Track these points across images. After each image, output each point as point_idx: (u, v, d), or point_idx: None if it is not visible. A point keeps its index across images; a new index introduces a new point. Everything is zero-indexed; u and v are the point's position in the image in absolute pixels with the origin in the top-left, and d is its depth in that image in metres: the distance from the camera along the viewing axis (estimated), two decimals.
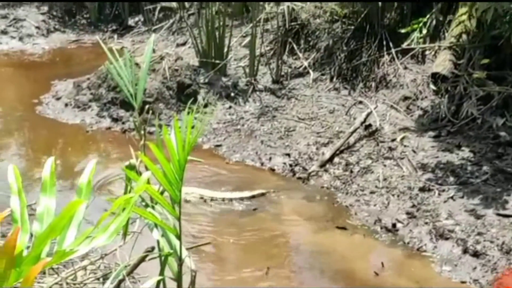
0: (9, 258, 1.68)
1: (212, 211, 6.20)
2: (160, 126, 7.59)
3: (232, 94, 8.35)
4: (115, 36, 11.05)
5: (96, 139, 7.74)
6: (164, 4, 8.64)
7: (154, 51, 9.53)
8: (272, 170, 7.01)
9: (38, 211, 2.07)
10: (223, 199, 6.36)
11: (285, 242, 5.88)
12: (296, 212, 6.26)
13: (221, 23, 8.59)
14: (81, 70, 9.40)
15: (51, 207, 2.07)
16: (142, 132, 3.32)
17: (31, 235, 2.09)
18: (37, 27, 11.14)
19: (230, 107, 8.17)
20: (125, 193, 3.24)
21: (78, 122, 8.09)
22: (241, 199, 6.38)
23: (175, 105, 8.08)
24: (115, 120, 8.02)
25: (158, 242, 3.29)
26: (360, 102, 7.83)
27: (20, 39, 10.93)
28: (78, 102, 8.38)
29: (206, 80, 8.45)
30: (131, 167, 3.17)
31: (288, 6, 8.60)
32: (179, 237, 3.11)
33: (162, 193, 3.19)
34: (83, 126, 7.99)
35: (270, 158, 7.18)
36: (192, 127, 3.09)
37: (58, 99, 8.62)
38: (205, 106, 8.15)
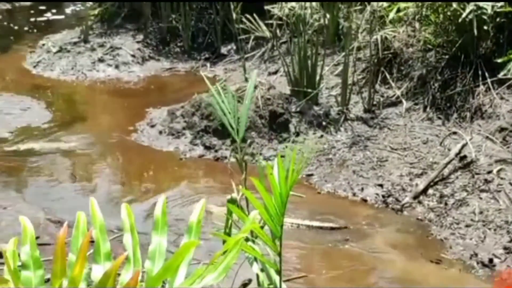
0: None
1: (303, 241, 6.19)
2: (252, 154, 7.68)
3: (324, 123, 8.35)
4: (208, 64, 11.22)
5: (190, 166, 7.85)
6: (257, 33, 8.71)
7: (246, 79, 9.64)
8: (364, 200, 6.96)
9: (150, 249, 2.11)
10: (308, 226, 6.36)
11: (377, 274, 5.81)
12: (389, 244, 6.19)
13: (313, 52, 8.62)
14: (174, 98, 9.58)
15: (163, 246, 2.11)
16: (244, 165, 3.36)
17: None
18: (133, 55, 11.40)
19: (321, 136, 8.17)
20: (225, 226, 3.28)
21: (171, 150, 8.22)
22: (332, 228, 6.37)
23: (267, 133, 8.13)
24: (208, 148, 8.12)
25: (257, 276, 3.30)
26: (455, 133, 7.70)
27: (116, 67, 11.20)
28: (172, 129, 8.53)
29: (298, 109, 8.48)
30: (233, 201, 3.20)
31: (381, 36, 8.56)
32: (279, 272, 3.12)
33: (262, 227, 3.21)
34: (176, 154, 8.11)
35: (362, 189, 7.12)
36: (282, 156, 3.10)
37: (152, 126, 8.79)
38: (297, 134, 8.18)
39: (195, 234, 2.13)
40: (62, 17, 14.17)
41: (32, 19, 14.97)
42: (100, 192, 7.17)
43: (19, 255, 2.18)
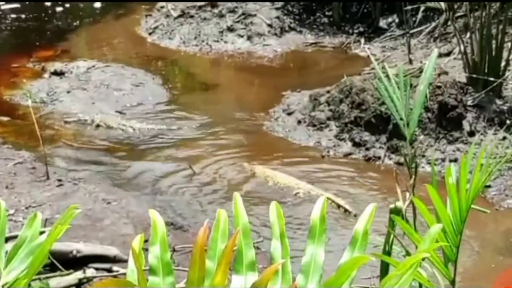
0: None
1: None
2: (413, 156, 7.63)
3: (508, 122, 8.19)
4: (362, 40, 11.19)
5: (334, 166, 7.86)
6: (429, 4, 8.64)
7: (410, 61, 9.59)
8: None
9: (304, 261, 2.17)
10: None
11: None
12: None
13: (500, 30, 8.45)
14: (318, 80, 9.64)
15: (319, 258, 2.16)
16: (413, 169, 3.37)
17: None
18: (269, 25, 11.51)
19: (504, 138, 8.00)
20: (386, 242, 3.30)
21: (311, 145, 8.28)
22: None
23: (434, 131, 8.06)
24: (358, 145, 8.13)
25: None
26: None
27: (249, 38, 11.35)
28: (314, 119, 8.59)
29: (475, 102, 8.35)
30: (397, 211, 3.22)
31: None
32: None
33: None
34: (317, 149, 8.16)
35: None
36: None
37: (289, 114, 8.88)
38: (471, 134, 8.05)
39: (360, 247, 2.16)
40: None
41: None
42: (221, 190, 7.33)
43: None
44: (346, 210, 6.84)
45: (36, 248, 2.55)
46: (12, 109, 9.10)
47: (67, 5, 13.25)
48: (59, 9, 13.07)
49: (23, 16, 12.64)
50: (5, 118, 8.80)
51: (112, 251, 5.59)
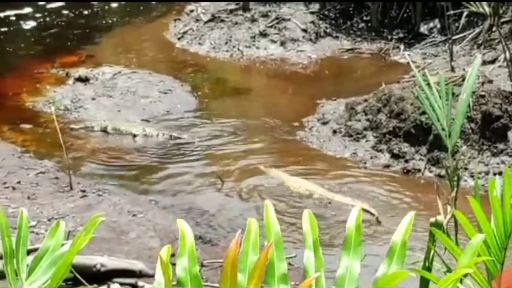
0: None
1: None
2: (455, 169, 7.59)
3: None
4: (401, 46, 11.16)
5: (371, 179, 7.84)
6: (473, 8, 8.61)
7: (453, 68, 9.55)
8: None
9: (338, 274, 2.17)
10: None
11: None
12: None
13: None
14: (355, 88, 9.63)
15: (355, 271, 2.17)
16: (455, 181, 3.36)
17: None
18: (304, 30, 11.53)
19: None
20: (426, 257, 3.29)
21: (347, 156, 8.27)
22: None
23: (477, 142, 8.02)
24: (396, 156, 8.10)
25: None
26: None
27: (282, 43, 11.36)
28: (350, 129, 8.58)
29: None
30: (438, 225, 3.21)
31: None
32: None
33: None
34: (353, 161, 8.14)
35: None
36: None
37: (324, 123, 8.88)
38: None
39: (398, 259, 2.15)
40: None
41: None
42: (252, 202, 7.34)
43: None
44: (372, 214, 6.86)
45: (58, 258, 2.55)
46: (35, 117, 9.15)
47: (115, 5, 13.34)
48: (113, 5, 13.16)
49: (62, 16, 12.72)
50: (27, 126, 8.85)
51: (137, 265, 5.58)
